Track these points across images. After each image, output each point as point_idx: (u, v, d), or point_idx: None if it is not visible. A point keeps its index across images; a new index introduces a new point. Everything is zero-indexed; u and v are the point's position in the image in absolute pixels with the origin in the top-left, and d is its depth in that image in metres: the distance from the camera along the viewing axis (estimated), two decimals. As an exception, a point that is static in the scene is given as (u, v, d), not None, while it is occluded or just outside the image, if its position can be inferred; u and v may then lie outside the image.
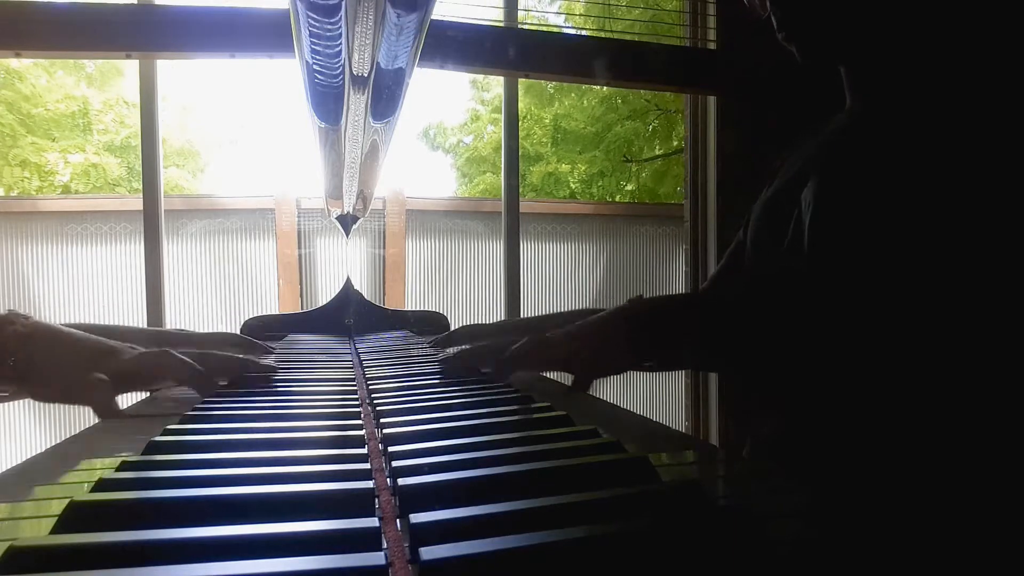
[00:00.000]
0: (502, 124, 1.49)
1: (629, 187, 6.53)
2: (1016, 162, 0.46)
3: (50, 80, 5.73)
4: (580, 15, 5.74)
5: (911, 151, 0.51)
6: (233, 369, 0.58)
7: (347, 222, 1.06)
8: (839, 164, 0.57)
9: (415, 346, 0.88)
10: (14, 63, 5.14)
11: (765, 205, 0.67)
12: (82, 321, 0.66)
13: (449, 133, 7.33)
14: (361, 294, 1.09)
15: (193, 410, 0.45)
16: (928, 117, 0.52)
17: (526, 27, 1.50)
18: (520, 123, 1.57)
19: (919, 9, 0.57)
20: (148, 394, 0.60)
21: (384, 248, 1.95)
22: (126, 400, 0.54)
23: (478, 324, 0.91)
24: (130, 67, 5.44)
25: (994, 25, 0.54)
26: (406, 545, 0.23)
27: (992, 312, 0.47)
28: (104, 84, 6.05)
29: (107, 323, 0.82)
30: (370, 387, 0.53)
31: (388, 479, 0.30)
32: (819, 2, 0.57)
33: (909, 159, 0.51)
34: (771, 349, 0.57)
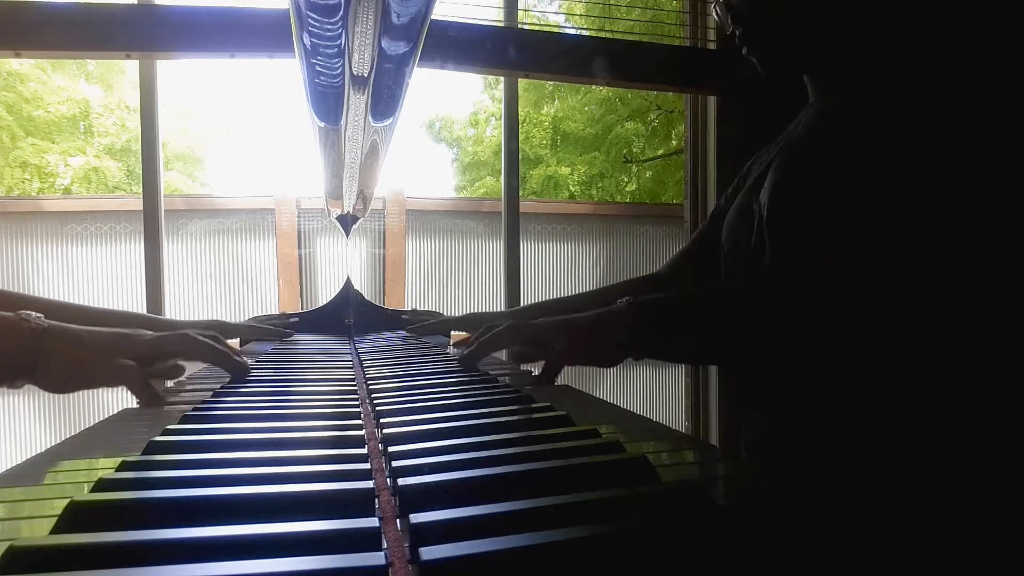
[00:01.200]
0: (502, 125, 1.49)
1: (630, 187, 6.52)
2: (956, 160, 0.48)
3: (51, 82, 5.73)
4: (580, 15, 5.74)
5: (859, 152, 0.54)
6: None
7: (347, 222, 1.06)
8: (788, 167, 0.60)
9: (415, 346, 0.88)
10: (15, 65, 5.14)
11: (738, 209, 0.68)
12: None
13: (455, 126, 7.33)
14: (361, 294, 1.09)
15: (193, 410, 0.45)
16: (875, 119, 0.55)
17: (526, 27, 1.49)
18: (519, 126, 1.57)
19: (870, 19, 0.59)
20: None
21: (384, 248, 1.95)
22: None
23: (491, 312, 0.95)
24: (131, 66, 5.44)
25: (942, 30, 0.56)
26: (406, 545, 0.23)
27: (947, 304, 0.48)
28: (106, 80, 6.05)
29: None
30: (370, 387, 0.53)
31: (388, 479, 0.30)
32: (775, 20, 0.61)
33: (856, 159, 0.53)
34: (755, 349, 0.59)
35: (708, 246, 0.76)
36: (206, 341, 0.58)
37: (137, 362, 0.54)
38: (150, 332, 0.57)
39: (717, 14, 0.65)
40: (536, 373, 0.62)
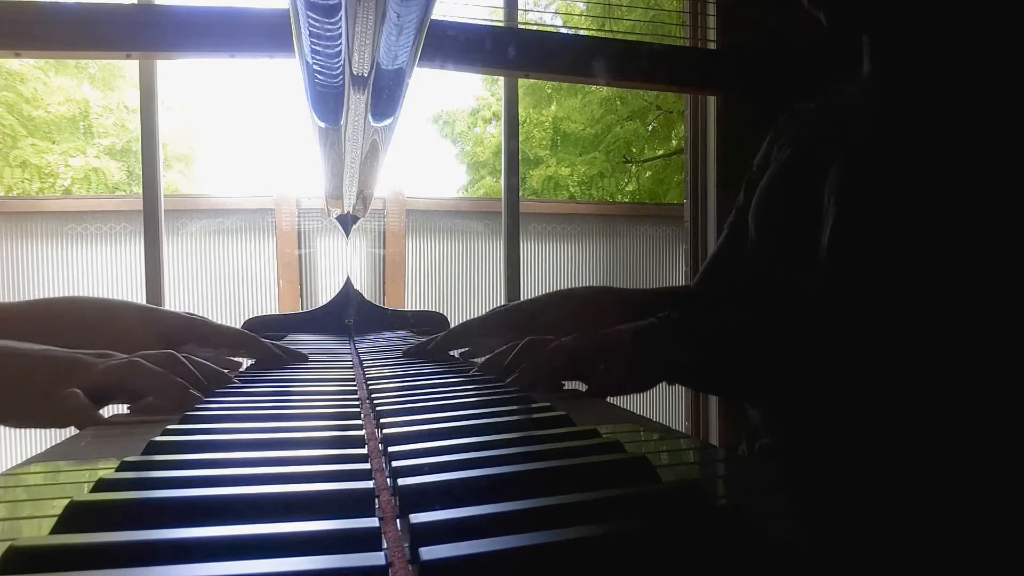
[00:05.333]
0: (502, 124, 1.49)
1: (630, 187, 6.53)
2: None
3: (53, 81, 5.73)
4: (579, 15, 5.74)
5: (951, 141, 0.46)
6: (218, 381, 0.54)
7: (347, 222, 1.06)
8: (867, 160, 0.52)
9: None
10: (15, 64, 5.14)
11: (772, 182, 0.63)
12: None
13: (457, 123, 7.33)
14: (361, 294, 1.09)
15: (193, 410, 0.45)
16: (964, 98, 0.47)
17: (526, 27, 1.50)
18: (520, 126, 1.57)
19: None
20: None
21: (384, 248, 1.95)
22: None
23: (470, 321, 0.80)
24: (130, 68, 5.44)
25: None
26: (406, 545, 0.23)
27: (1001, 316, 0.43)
28: (107, 83, 6.06)
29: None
30: (370, 387, 0.53)
31: (388, 479, 0.30)
32: None
33: (951, 152, 0.46)
34: (784, 367, 0.53)
35: (738, 248, 0.70)
36: (157, 371, 0.48)
37: (89, 392, 0.46)
38: (112, 355, 0.50)
39: None
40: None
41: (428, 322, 1.08)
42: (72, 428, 0.45)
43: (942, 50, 0.53)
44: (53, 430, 0.48)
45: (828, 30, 0.56)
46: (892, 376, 0.47)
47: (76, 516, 0.24)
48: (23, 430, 1.69)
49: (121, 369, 0.48)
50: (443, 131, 7.37)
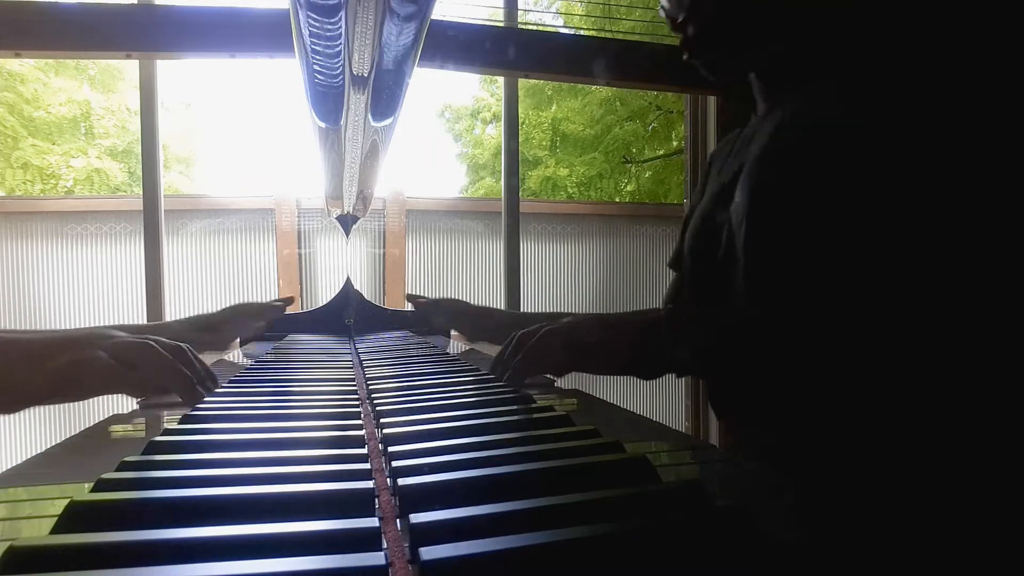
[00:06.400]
0: (502, 125, 1.49)
1: (629, 188, 6.53)
2: (930, 162, 0.46)
3: (53, 82, 5.73)
4: (580, 15, 5.74)
5: (826, 158, 0.52)
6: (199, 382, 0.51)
7: (347, 222, 1.06)
8: (758, 176, 0.58)
9: (415, 346, 0.88)
10: (16, 65, 5.14)
11: (702, 215, 0.67)
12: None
13: (460, 120, 7.35)
14: (361, 294, 1.09)
15: (193, 410, 0.45)
16: (840, 123, 0.53)
17: (526, 27, 1.50)
18: (519, 128, 1.57)
19: (809, 17, 0.58)
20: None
21: (384, 248, 1.95)
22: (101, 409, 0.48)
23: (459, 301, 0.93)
24: (130, 68, 5.45)
25: (894, 25, 0.54)
26: (406, 545, 0.23)
27: (931, 316, 0.46)
28: (107, 84, 6.06)
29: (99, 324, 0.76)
30: (370, 387, 0.53)
31: (388, 479, 0.30)
32: (711, 28, 0.61)
33: (824, 166, 0.52)
34: (742, 363, 0.56)
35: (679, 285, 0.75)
36: (168, 358, 0.47)
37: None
38: (120, 334, 0.48)
39: (664, 8, 0.63)
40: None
41: (428, 322, 1.08)
42: (75, 425, 0.44)
43: (816, 84, 0.58)
44: (57, 428, 0.47)
45: (712, 79, 0.64)
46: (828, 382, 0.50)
47: (76, 516, 0.24)
48: (21, 430, 1.69)
49: (131, 348, 0.46)
50: (448, 127, 7.39)
